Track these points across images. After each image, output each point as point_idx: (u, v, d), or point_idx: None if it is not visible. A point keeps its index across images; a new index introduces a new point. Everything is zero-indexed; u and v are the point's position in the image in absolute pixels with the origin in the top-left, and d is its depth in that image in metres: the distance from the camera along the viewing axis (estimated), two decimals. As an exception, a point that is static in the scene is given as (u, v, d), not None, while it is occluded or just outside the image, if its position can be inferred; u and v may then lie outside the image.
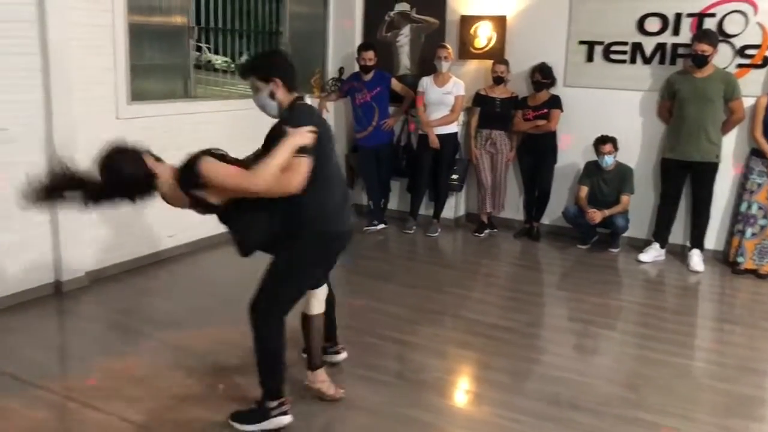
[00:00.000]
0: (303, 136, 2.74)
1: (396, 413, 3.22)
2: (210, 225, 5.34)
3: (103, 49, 4.67)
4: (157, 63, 5.34)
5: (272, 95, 2.93)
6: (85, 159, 4.57)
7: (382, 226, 6.44)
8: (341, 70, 6.74)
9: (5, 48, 4.06)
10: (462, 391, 3.60)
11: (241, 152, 3.36)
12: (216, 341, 3.87)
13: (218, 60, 6.52)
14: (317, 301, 3.27)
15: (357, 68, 6.33)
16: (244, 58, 6.45)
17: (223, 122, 5.59)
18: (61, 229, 4.50)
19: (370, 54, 6.14)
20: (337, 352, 3.65)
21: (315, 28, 6.80)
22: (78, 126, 4.52)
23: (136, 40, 4.95)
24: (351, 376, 3.57)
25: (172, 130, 5.22)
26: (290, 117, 2.88)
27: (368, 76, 6.21)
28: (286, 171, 2.67)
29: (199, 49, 6.12)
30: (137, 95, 5.01)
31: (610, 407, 3.32)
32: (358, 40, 6.70)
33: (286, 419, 3.04)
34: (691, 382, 3.65)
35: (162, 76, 5.40)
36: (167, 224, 5.29)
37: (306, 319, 3.28)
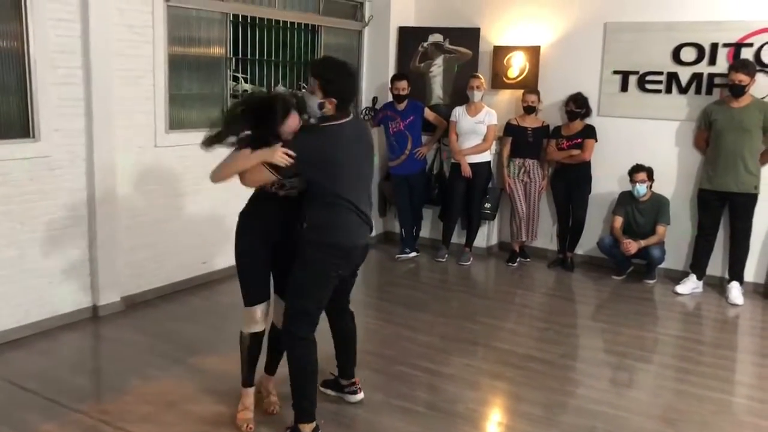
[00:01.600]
0: (276, 155, 2.90)
1: (428, 444, 3.18)
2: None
3: (143, 79, 4.80)
4: (195, 92, 5.46)
5: (321, 106, 3.00)
6: (124, 186, 4.71)
7: (414, 254, 6.44)
8: (375, 100, 6.81)
9: (51, 78, 4.21)
10: (494, 424, 3.55)
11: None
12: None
13: (254, 89, 6.66)
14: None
15: (390, 98, 6.39)
16: (280, 87, 6.55)
17: (258, 150, 5.68)
18: (99, 255, 4.59)
19: (404, 84, 6.20)
20: (355, 392, 3.56)
21: (349, 59, 6.89)
22: (118, 153, 4.64)
23: (175, 70, 5.08)
24: (383, 405, 3.55)
25: (208, 158, 5.30)
26: (300, 132, 3.02)
27: (401, 106, 6.27)
28: (247, 172, 3.02)
29: (235, 79, 6.25)
30: (175, 124, 5.13)
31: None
32: (391, 70, 6.78)
33: None
34: (730, 419, 3.55)
35: (199, 105, 5.51)
36: (201, 251, 5.37)
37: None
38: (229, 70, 5.62)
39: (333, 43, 6.66)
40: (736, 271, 5.44)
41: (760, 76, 5.28)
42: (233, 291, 5.40)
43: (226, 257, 5.44)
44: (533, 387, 3.83)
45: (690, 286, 5.55)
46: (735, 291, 5.38)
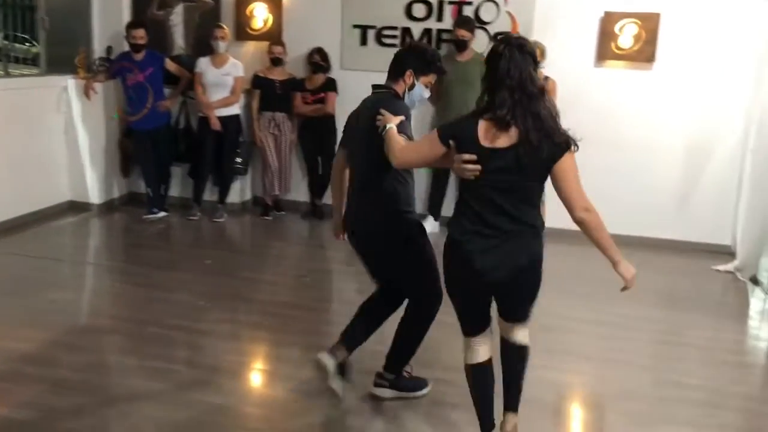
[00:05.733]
0: None
1: (187, 399, 3.13)
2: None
3: None
4: None
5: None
6: None
7: (163, 214, 6.15)
8: (109, 49, 6.29)
9: None
10: (256, 371, 3.61)
11: None
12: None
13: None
14: None
15: (127, 47, 5.95)
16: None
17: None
18: None
19: (141, 32, 5.81)
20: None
21: (77, 3, 6.25)
22: None
23: None
24: (138, 368, 3.41)
25: None
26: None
27: (139, 56, 5.87)
28: None
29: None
30: None
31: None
32: (126, 17, 6.30)
33: None
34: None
35: None
36: None
37: None
38: None
39: (56, -16, 5.98)
40: (435, 205, 6.07)
41: (479, 33, 5.84)
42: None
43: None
44: (292, 332, 3.94)
45: (429, 226, 6.04)
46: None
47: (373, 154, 2.86)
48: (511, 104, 2.39)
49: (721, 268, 5.34)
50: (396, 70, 3.04)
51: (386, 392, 3.21)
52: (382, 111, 2.81)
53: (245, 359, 3.69)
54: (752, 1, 5.44)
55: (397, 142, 2.68)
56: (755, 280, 5.15)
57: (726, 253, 5.61)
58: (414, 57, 3.04)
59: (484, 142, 2.43)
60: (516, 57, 2.42)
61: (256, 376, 3.54)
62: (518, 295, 2.65)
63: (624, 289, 2.51)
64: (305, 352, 3.67)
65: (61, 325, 3.86)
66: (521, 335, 2.74)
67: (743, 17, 5.47)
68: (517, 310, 2.71)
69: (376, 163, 2.85)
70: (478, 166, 2.43)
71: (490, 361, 2.74)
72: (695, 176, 5.78)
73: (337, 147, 6.07)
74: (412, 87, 3.01)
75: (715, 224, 5.76)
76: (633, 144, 5.74)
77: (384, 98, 2.96)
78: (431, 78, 3.05)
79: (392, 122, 2.75)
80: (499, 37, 2.50)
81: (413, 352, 3.21)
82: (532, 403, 3.23)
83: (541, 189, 2.53)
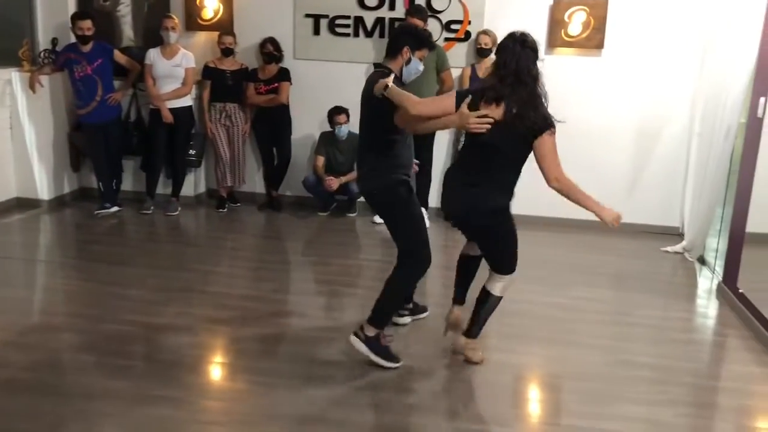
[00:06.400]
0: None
1: (145, 395, 3.10)
2: None
3: None
4: None
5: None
6: None
7: (115, 208, 6.04)
8: (54, 41, 6.12)
9: None
10: (214, 364, 3.58)
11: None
12: None
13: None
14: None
15: (73, 39, 5.80)
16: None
17: None
18: None
19: (87, 23, 5.66)
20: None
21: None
22: None
23: None
24: (96, 366, 3.35)
25: None
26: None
27: (87, 48, 5.72)
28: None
29: None
30: None
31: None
32: (72, 8, 6.14)
33: None
34: (422, 323, 4.03)
35: None
36: None
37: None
38: None
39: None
40: (422, 197, 6.08)
41: (432, 21, 5.86)
42: None
43: None
44: (249, 325, 3.92)
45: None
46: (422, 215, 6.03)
47: (366, 123, 3.42)
48: (501, 88, 2.96)
49: (670, 249, 5.52)
50: (393, 49, 3.38)
51: (360, 345, 3.41)
52: (379, 83, 3.19)
53: (203, 352, 3.66)
54: (696, -11, 5.60)
55: (406, 95, 3.10)
56: (702, 260, 5.33)
57: (674, 234, 5.80)
58: (409, 35, 3.42)
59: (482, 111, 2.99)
60: (516, 50, 2.97)
61: (214, 369, 3.52)
62: (482, 242, 3.33)
63: (611, 224, 2.99)
64: (263, 344, 3.68)
65: (10, 324, 3.78)
66: (496, 286, 3.36)
67: (689, 4, 5.62)
68: (487, 258, 3.38)
69: (370, 129, 3.38)
70: (485, 121, 2.96)
71: (468, 256, 3.53)
72: (644, 160, 5.94)
73: (291, 137, 6.20)
74: (408, 62, 3.37)
75: (663, 207, 5.94)
76: (583, 130, 5.84)
77: (377, 75, 3.33)
78: (425, 52, 3.43)
79: (388, 82, 3.14)
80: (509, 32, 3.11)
81: (394, 309, 3.58)
82: (488, 385, 3.31)
83: (520, 157, 3.07)
